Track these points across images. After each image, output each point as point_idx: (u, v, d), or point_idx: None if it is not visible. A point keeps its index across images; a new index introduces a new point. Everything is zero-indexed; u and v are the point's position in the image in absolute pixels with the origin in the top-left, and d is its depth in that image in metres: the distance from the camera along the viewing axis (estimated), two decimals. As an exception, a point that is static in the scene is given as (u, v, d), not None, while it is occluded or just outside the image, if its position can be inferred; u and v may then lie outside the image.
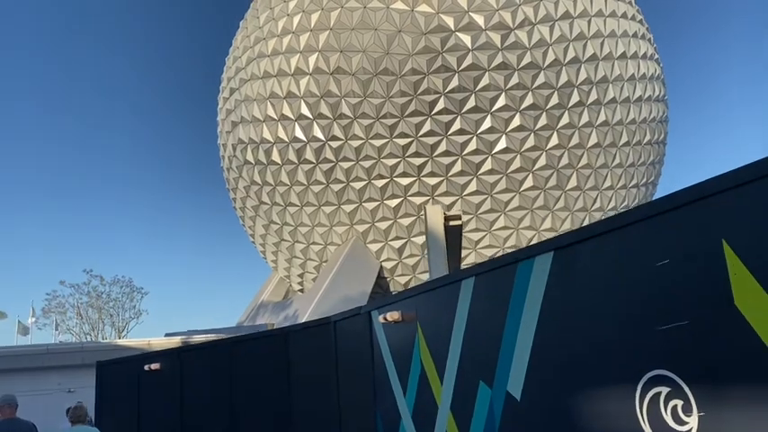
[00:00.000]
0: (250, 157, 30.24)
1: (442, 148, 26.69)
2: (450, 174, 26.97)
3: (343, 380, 5.18)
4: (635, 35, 29.47)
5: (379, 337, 4.57)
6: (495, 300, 3.26)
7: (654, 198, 33.69)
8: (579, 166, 27.94)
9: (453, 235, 22.24)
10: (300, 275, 32.23)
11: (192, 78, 75.54)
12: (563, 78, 26.93)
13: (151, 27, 73.29)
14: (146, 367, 7.31)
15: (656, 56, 31.13)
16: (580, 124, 27.50)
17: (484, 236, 27.88)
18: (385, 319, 4.31)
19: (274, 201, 30.08)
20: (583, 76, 27.27)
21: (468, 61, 26.21)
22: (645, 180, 31.16)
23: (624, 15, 29.19)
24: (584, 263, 2.72)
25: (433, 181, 27.11)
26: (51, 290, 38.21)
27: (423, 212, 27.42)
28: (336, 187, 27.97)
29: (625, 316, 2.56)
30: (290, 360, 5.90)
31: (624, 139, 28.80)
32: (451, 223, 23.39)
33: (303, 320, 22.56)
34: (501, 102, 26.40)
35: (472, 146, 26.68)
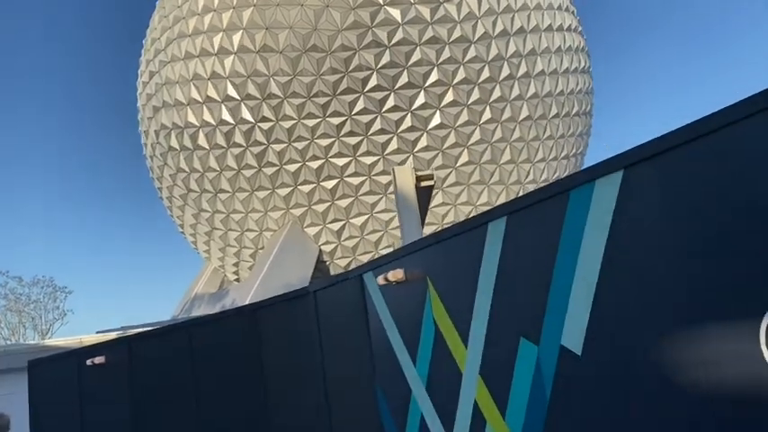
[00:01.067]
0: (175, 143, 28.71)
1: (377, 126, 26.19)
2: (386, 152, 26.52)
3: (329, 357, 4.60)
4: (559, 8, 29.85)
5: (376, 302, 4.02)
6: (538, 239, 2.78)
7: (582, 168, 34.52)
8: (512, 139, 28.13)
9: (424, 197, 21.40)
10: (236, 264, 31.10)
11: (106, 61, 71.40)
12: (493, 51, 26.94)
13: (56, 8, 68.70)
14: (88, 362, 6.46)
15: (580, 28, 31.71)
16: (511, 97, 27.64)
17: (422, 213, 27.68)
18: (386, 279, 3.76)
19: (203, 188, 28.73)
20: (512, 48, 27.37)
21: (398, 36, 25.75)
22: (574, 151, 31.82)
23: (549, -12, 29.45)
24: (680, 175, 2.24)
25: (369, 160, 26.60)
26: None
27: (360, 191, 26.90)
28: (269, 171, 26.98)
29: (742, 242, 2.10)
30: (261, 340, 5.25)
31: (554, 111, 29.23)
32: (423, 184, 22.34)
33: (243, 309, 21.61)
34: (434, 77, 26.13)
35: (407, 123, 26.31)
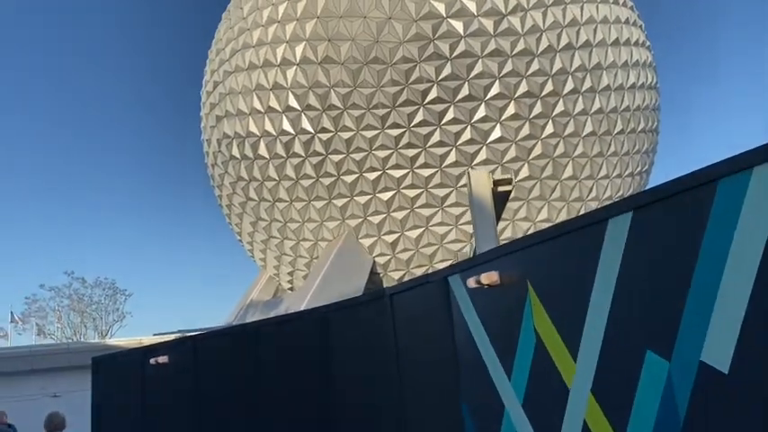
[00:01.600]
0: (236, 152, 29.19)
1: (436, 138, 25.93)
2: (444, 165, 26.22)
3: (408, 367, 4.30)
4: (626, 21, 29.01)
5: (464, 308, 3.71)
6: (673, 238, 2.43)
7: (647, 188, 33.35)
8: (575, 155, 27.37)
9: (500, 202, 20.13)
10: (290, 273, 31.25)
11: (173, 75, 73.87)
12: (557, 65, 26.33)
13: (129, 24, 71.55)
14: (152, 360, 6.37)
15: (648, 42, 30.73)
16: (575, 112, 26.93)
17: (479, 228, 27.16)
18: (478, 282, 3.45)
19: (262, 196, 29.05)
20: (577, 62, 26.69)
21: (460, 48, 25.48)
22: (639, 169, 30.73)
23: (615, 1, 28.70)
24: None
25: (426, 172, 26.34)
26: (31, 294, 36.78)
27: (416, 204, 26.64)
28: (327, 181, 27.05)
29: None
30: (330, 346, 4.99)
31: (619, 126, 28.32)
32: (500, 188, 20.08)
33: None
34: (495, 89, 25.71)
35: (466, 135, 25.95)
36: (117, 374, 7.31)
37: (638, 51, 29.38)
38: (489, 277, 3.37)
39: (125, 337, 21.82)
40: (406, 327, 4.38)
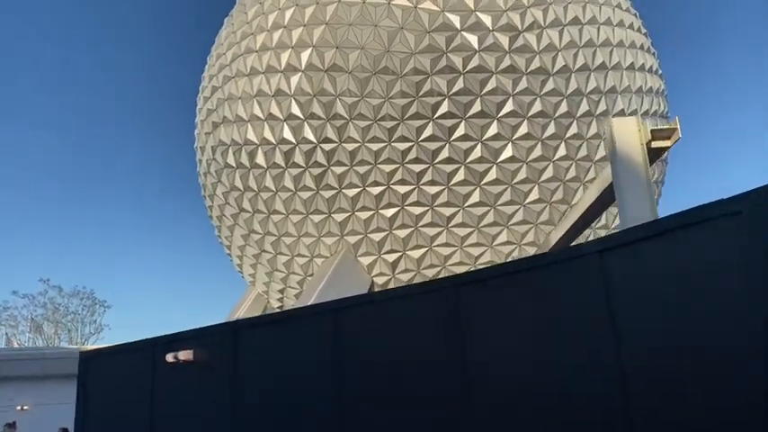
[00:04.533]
0: (231, 160, 27.80)
1: (445, 154, 24.78)
2: (451, 182, 25.04)
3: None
4: (641, 47, 28.39)
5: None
6: None
7: (652, 219, 32.59)
8: (586, 179, 26.35)
9: (652, 162, 16.68)
10: (281, 291, 29.65)
11: (166, 78, 72.36)
12: (572, 86, 25.49)
13: (121, 26, 70.26)
14: (169, 357, 4.93)
15: (660, 71, 30.12)
16: (588, 135, 26.03)
17: (485, 251, 25.94)
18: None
19: (257, 208, 27.59)
20: (592, 84, 25.88)
21: (474, 62, 24.52)
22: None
23: (631, 26, 28.11)
24: None
25: (433, 190, 25.13)
26: (2, 300, 34.60)
27: (421, 222, 25.34)
28: (327, 194, 25.71)
29: None
30: (461, 322, 3.73)
31: (631, 153, 27.38)
32: (655, 144, 15.96)
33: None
34: (508, 107, 24.72)
35: (476, 153, 24.85)
36: (116, 376, 5.80)
37: (652, 79, 28.73)
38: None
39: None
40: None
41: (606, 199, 19.68)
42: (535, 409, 4.08)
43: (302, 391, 5.09)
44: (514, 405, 4.17)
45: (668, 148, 16.23)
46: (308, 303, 24.67)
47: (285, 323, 5.57)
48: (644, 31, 29.40)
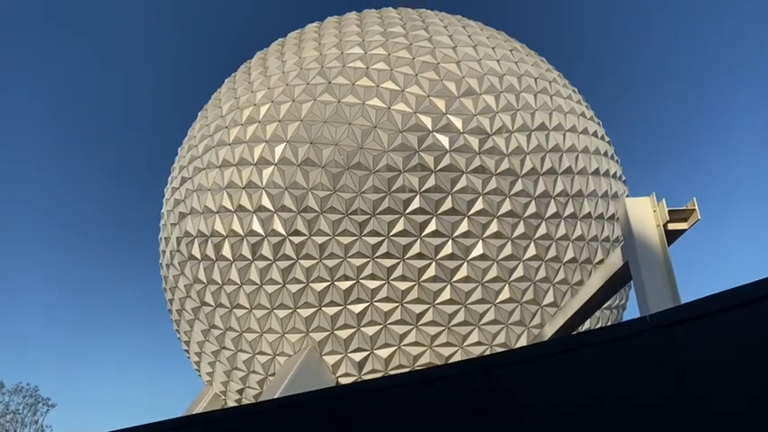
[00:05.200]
0: (196, 252, 27.07)
1: (415, 249, 24.57)
2: (422, 279, 24.65)
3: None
4: (605, 154, 29.47)
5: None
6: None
7: (623, 320, 32.20)
8: (556, 281, 26.31)
9: (670, 243, 15.38)
10: (240, 391, 27.97)
11: (130, 173, 71.89)
12: (540, 188, 26.00)
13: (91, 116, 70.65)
14: None
15: (624, 177, 31.14)
16: (557, 236, 26.26)
17: (455, 351, 25.15)
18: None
19: (219, 302, 26.58)
20: (559, 187, 26.47)
21: (445, 162, 24.96)
22: (616, 302, 29.80)
23: (595, 134, 29.30)
24: None
25: (403, 285, 24.65)
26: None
27: (390, 319, 24.58)
28: (294, 288, 24.98)
29: None
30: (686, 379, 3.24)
31: (599, 256, 27.68)
32: (672, 226, 15.23)
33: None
34: (478, 205, 24.94)
35: (447, 249, 24.71)
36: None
37: (617, 184, 29.61)
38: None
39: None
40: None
41: (612, 286, 19.23)
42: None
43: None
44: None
45: (685, 230, 15.52)
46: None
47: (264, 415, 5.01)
48: (607, 139, 30.65)
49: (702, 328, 3.44)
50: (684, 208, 15.73)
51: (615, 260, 18.38)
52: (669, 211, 15.37)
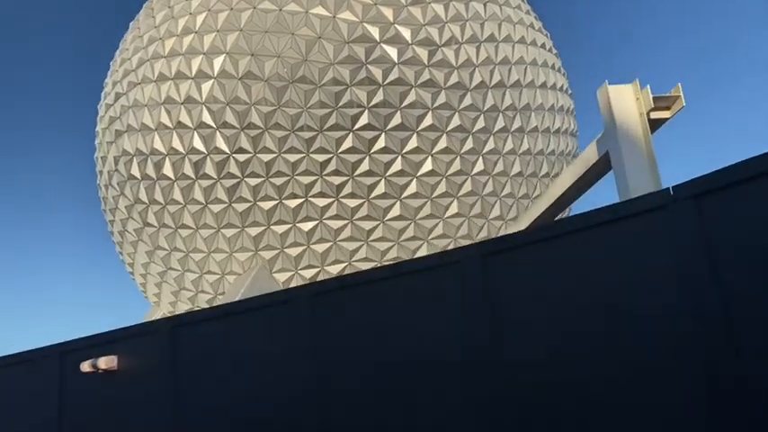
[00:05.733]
0: (135, 171, 25.96)
1: (365, 167, 24.24)
2: (371, 196, 24.50)
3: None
4: (553, 66, 29.28)
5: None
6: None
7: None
8: (503, 194, 26.63)
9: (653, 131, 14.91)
10: (189, 312, 27.77)
11: (63, 82, 67.40)
12: (489, 102, 25.75)
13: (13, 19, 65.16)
14: (84, 366, 3.87)
15: (570, 91, 31.20)
16: (504, 151, 26.33)
17: (404, 266, 25.47)
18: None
19: (163, 222, 25.84)
20: (508, 101, 26.28)
21: (394, 75, 24.25)
22: (560, 215, 30.54)
23: (543, 46, 28.96)
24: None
25: (353, 203, 24.47)
26: None
27: (340, 237, 24.55)
28: (241, 207, 24.44)
29: None
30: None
31: (545, 169, 28.06)
32: (654, 115, 14.66)
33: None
34: (428, 121, 24.58)
35: (397, 166, 24.48)
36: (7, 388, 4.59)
37: (563, 97, 29.66)
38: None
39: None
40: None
41: (586, 181, 19.00)
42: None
43: (270, 398, 4.23)
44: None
45: (668, 119, 14.95)
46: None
47: (247, 313, 4.70)
48: (555, 51, 30.38)
49: (733, 199, 3.34)
50: (668, 95, 15.17)
51: (590, 154, 17.88)
52: (654, 98, 14.88)
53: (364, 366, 4.58)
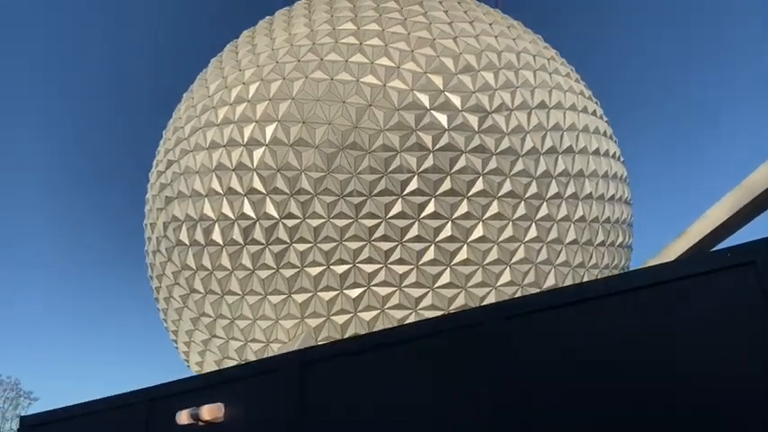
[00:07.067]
0: (184, 237, 25.97)
1: (414, 232, 23.72)
2: (420, 262, 23.82)
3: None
4: (604, 134, 28.80)
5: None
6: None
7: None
8: (557, 262, 25.62)
9: None
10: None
11: (116, 157, 69.90)
12: (541, 167, 25.24)
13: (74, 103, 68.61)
14: (182, 417, 3.25)
15: (622, 159, 30.49)
16: (558, 218, 25.54)
17: (455, 336, 24.37)
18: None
19: (209, 288, 25.54)
20: (561, 167, 25.73)
21: (443, 141, 24.09)
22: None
23: (594, 113, 28.61)
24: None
25: (401, 269, 23.80)
26: None
27: (387, 304, 23.78)
28: (288, 273, 24.02)
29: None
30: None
31: (600, 238, 27.05)
32: None
33: None
34: (478, 186, 24.12)
35: (446, 232, 23.88)
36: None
37: (616, 165, 28.98)
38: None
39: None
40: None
41: (752, 208, 17.64)
42: None
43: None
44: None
45: None
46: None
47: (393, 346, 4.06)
48: (605, 119, 29.97)
49: None
50: None
51: (759, 179, 16.68)
52: None
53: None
